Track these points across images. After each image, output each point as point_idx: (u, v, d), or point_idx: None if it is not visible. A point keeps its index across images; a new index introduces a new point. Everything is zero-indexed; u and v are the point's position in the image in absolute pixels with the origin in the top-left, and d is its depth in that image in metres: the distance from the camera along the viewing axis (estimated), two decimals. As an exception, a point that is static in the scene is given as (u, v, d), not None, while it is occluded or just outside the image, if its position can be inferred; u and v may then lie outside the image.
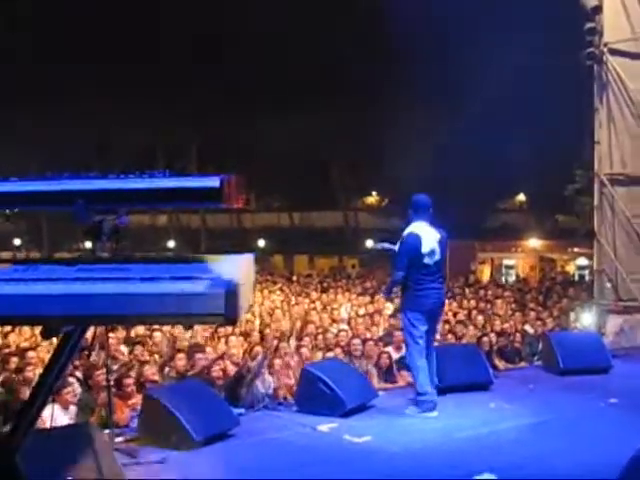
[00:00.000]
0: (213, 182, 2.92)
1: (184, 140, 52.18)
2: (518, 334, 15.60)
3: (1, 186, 3.12)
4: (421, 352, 10.15)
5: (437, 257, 10.27)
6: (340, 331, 15.18)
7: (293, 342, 14.07)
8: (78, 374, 10.01)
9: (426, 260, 10.14)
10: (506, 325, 16.57)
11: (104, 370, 9.43)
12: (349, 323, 17.36)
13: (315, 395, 10.10)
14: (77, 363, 10.34)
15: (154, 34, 43.95)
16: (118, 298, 2.54)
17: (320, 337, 14.37)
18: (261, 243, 55.19)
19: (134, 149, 48.65)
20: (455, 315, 18.76)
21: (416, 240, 10.11)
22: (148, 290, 2.56)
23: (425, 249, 10.13)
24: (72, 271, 2.90)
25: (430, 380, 10.23)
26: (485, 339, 14.32)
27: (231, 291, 2.50)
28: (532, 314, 18.62)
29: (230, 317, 2.55)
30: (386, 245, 10.67)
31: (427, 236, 10.21)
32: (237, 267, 2.79)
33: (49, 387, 3.14)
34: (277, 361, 11.71)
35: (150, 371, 10.79)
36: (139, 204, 3.06)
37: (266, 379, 11.25)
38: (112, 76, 43.88)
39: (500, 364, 13.98)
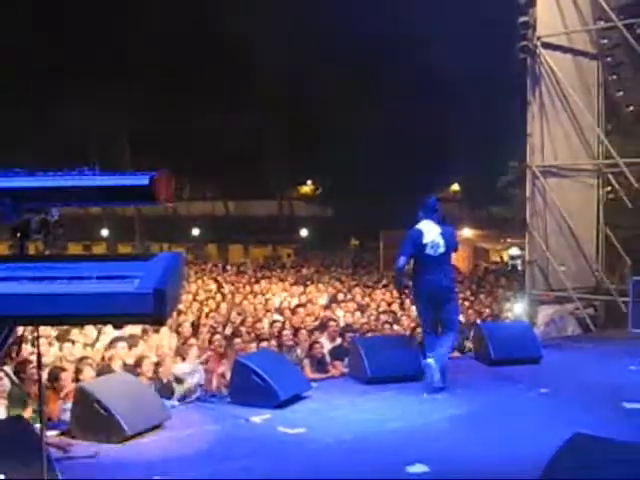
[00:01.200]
0: (142, 180, 2.89)
1: (117, 129, 51.62)
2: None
3: None
4: (428, 331, 11.47)
5: (441, 249, 11.20)
6: (274, 322, 15.18)
7: (228, 332, 14.03)
8: (7, 368, 9.87)
9: (428, 251, 11.11)
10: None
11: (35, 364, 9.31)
12: (282, 313, 17.36)
13: (248, 387, 10.09)
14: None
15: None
16: (45, 298, 2.50)
17: (254, 327, 14.36)
18: (195, 232, 54.97)
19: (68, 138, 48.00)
20: (390, 305, 18.84)
21: (418, 233, 11.16)
22: (75, 290, 2.53)
23: (426, 241, 11.10)
24: (-1, 270, 2.86)
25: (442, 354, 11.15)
26: (417, 329, 14.43)
27: (159, 290, 2.48)
28: (465, 304, 18.77)
29: (158, 317, 2.53)
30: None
31: (429, 230, 11.20)
32: (166, 265, 2.77)
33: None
34: (209, 353, 11.68)
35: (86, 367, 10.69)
36: (68, 202, 3.02)
37: (197, 370, 11.23)
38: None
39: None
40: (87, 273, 2.65)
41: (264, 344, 12.60)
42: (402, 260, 11.15)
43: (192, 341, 12.13)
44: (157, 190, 2.93)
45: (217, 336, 12.80)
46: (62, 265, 2.80)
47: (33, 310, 2.50)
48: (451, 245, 11.40)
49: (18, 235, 3.04)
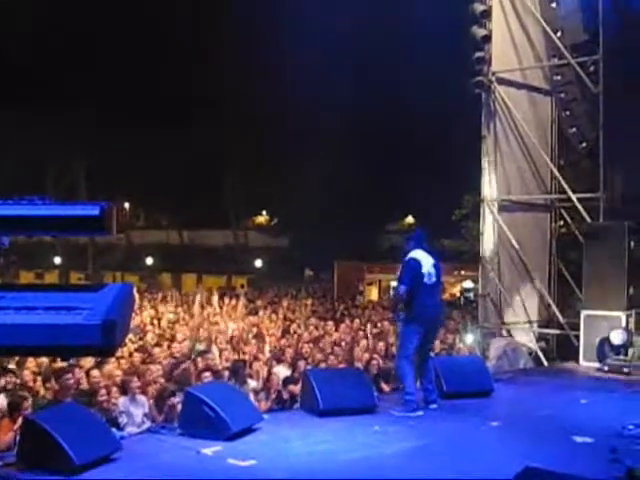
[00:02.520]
0: (93, 210, 2.86)
1: (71, 160, 51.34)
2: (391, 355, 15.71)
3: None
4: (411, 359, 11.68)
5: (434, 279, 11.76)
6: (223, 351, 15.10)
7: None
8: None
9: (425, 280, 11.60)
10: (393, 348, 16.66)
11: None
12: (235, 343, 17.26)
13: (199, 418, 9.99)
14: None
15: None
16: (-8, 329, 2.46)
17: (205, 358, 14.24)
18: (149, 261, 54.68)
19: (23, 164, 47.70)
20: (342, 335, 18.81)
21: (417, 263, 11.59)
22: (22, 321, 2.49)
23: (424, 270, 11.60)
24: (-56, 299, 2.82)
25: (428, 384, 12.01)
26: (372, 362, 14.44)
27: (108, 322, 2.45)
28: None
29: (107, 349, 2.50)
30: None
31: (425, 260, 11.69)
32: (116, 297, 2.74)
33: None
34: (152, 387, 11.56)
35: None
36: (17, 232, 2.99)
37: (141, 401, 11.12)
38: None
39: (386, 387, 14.07)
40: (35, 303, 2.62)
41: (213, 376, 12.49)
42: (403, 289, 11.54)
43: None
44: (108, 221, 2.90)
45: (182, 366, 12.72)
46: (10, 295, 2.77)
47: (-20, 340, 2.46)
48: (440, 275, 12.01)
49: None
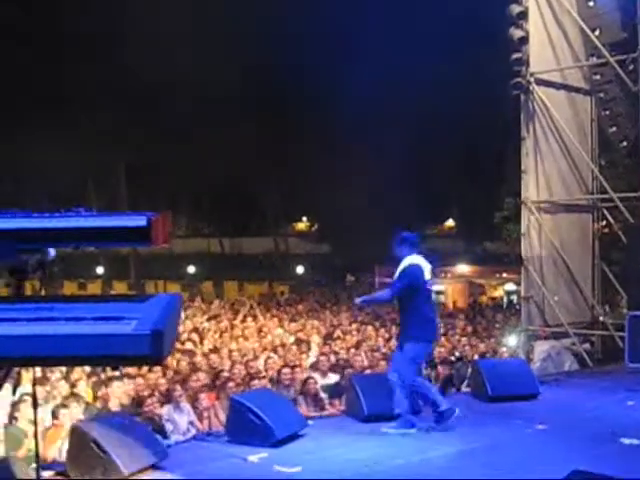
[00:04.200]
0: (140, 221, 2.89)
1: (114, 164, 51.75)
2: (448, 360, 15.68)
3: None
4: (410, 376, 10.69)
5: (431, 286, 11.16)
6: (268, 359, 15.13)
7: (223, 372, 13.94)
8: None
9: (427, 286, 10.93)
10: (436, 351, 16.63)
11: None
12: (278, 351, 17.29)
13: (244, 425, 10.05)
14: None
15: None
16: (42, 339, 2.49)
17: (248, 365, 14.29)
18: (191, 269, 54.87)
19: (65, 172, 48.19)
20: (388, 341, 18.80)
21: (418, 269, 10.77)
22: (72, 331, 2.51)
23: (426, 277, 10.87)
24: (-5, 311, 2.86)
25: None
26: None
27: (157, 332, 2.47)
28: (461, 340, 18.75)
29: (156, 358, 2.52)
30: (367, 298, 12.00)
31: (425, 266, 10.93)
32: (164, 307, 2.76)
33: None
34: (202, 395, 11.60)
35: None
36: (65, 243, 3.02)
37: (186, 409, 11.16)
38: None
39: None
40: (84, 314, 2.65)
41: (258, 382, 12.55)
42: (389, 297, 11.16)
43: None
44: (154, 231, 2.93)
45: (225, 373, 12.80)
46: (59, 306, 2.80)
47: (30, 352, 2.49)
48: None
49: (15, 276, 3.03)
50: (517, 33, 17.91)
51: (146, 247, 3.01)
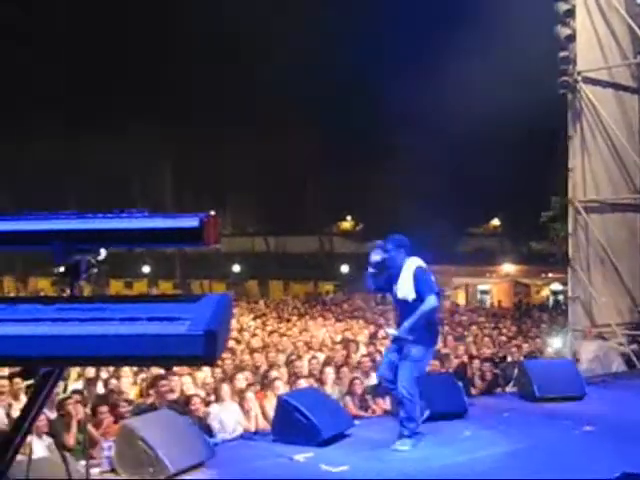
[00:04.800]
0: (192, 222, 2.91)
1: (159, 163, 52.16)
2: (494, 361, 15.62)
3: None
4: (418, 383, 10.13)
5: None
6: (313, 358, 15.14)
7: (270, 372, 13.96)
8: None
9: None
10: (481, 351, 16.57)
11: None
12: (323, 351, 17.30)
13: (291, 424, 10.08)
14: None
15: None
16: (96, 339, 2.51)
17: (295, 365, 14.30)
18: (236, 268, 55.05)
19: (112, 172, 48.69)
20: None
21: (428, 271, 10.24)
22: (126, 331, 2.53)
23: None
24: (50, 311, 2.89)
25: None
26: (461, 366, 14.37)
27: (210, 332, 2.48)
28: (507, 340, 18.66)
29: (209, 359, 2.52)
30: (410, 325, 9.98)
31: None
32: (216, 307, 2.78)
33: (29, 424, 3.13)
34: (249, 394, 11.63)
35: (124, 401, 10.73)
36: (118, 244, 3.05)
37: (233, 407, 11.19)
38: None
39: (475, 391, 13.99)
40: (138, 314, 2.67)
41: (304, 382, 12.58)
42: (436, 299, 10.01)
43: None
44: (207, 231, 2.95)
45: (273, 373, 12.84)
46: (112, 306, 2.82)
47: (84, 352, 2.51)
48: None
49: (67, 276, 3.07)
50: (564, 31, 17.79)
51: (197, 247, 3.03)
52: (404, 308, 10.08)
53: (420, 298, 9.87)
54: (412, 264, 10.10)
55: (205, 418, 10.64)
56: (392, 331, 10.17)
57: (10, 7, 41.12)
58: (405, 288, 10.01)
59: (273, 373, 13.08)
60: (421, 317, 9.80)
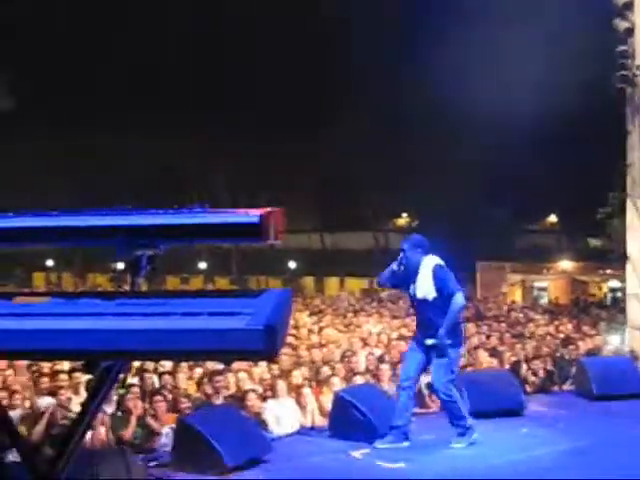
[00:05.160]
0: (253, 218, 2.93)
1: (214, 162, 52.52)
2: (551, 358, 15.48)
3: (41, 221, 3.15)
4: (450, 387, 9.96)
5: None
6: (369, 355, 15.12)
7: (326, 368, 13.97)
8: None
9: None
10: (539, 349, 16.43)
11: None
12: (379, 346, 17.27)
13: (348, 421, 10.10)
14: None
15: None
16: (157, 333, 2.53)
17: (352, 361, 14.30)
18: (292, 264, 55.17)
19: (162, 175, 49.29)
20: (488, 338, 18.63)
21: (445, 266, 10.07)
22: (187, 326, 2.56)
23: None
24: (112, 306, 2.93)
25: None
26: (517, 363, 14.27)
27: (270, 327, 2.49)
28: (565, 338, 18.50)
29: (269, 353, 2.54)
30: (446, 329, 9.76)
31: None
32: (276, 302, 2.80)
33: (91, 416, 3.17)
34: (306, 390, 11.65)
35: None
36: (179, 239, 3.08)
37: (290, 403, 11.22)
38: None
39: (530, 389, 13.88)
40: (199, 309, 2.70)
41: (360, 378, 12.57)
42: (462, 297, 9.93)
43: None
44: (266, 227, 2.97)
45: (325, 369, 12.87)
46: (173, 301, 2.85)
47: (145, 346, 2.54)
48: None
49: (128, 271, 3.10)
50: (623, 24, 17.59)
51: (258, 243, 3.05)
52: (424, 307, 9.98)
53: (441, 296, 9.76)
54: (430, 262, 9.99)
55: (261, 414, 10.68)
56: (430, 341, 9.93)
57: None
58: (424, 287, 9.91)
59: (328, 369, 13.09)
60: (453, 318, 9.70)
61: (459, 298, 9.74)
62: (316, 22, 43.40)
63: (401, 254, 10.19)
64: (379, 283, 11.81)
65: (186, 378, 12.18)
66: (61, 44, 44.35)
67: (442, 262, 10.05)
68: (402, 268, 10.12)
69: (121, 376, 3.27)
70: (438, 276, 9.86)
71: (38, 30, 44.30)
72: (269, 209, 3.01)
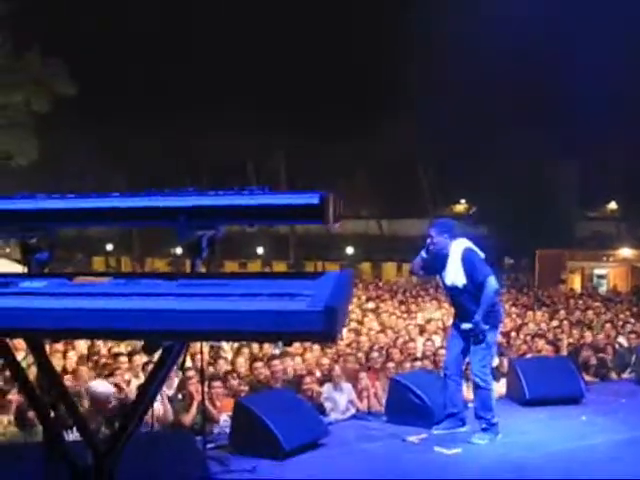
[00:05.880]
0: (312, 199, 2.93)
1: (274, 149, 52.73)
2: (610, 346, 15.33)
3: (103, 202, 3.18)
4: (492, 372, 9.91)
5: None
6: (427, 340, 15.10)
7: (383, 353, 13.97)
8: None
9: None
10: (598, 337, 16.28)
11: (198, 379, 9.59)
12: (437, 333, 17.23)
13: (404, 406, 10.09)
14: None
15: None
16: (218, 314, 2.54)
17: (407, 347, 14.29)
18: (349, 250, 55.16)
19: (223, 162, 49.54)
20: (548, 325, 18.52)
21: (475, 250, 9.67)
22: (247, 307, 2.56)
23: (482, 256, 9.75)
24: (173, 286, 2.95)
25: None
26: (576, 350, 14.17)
27: (330, 309, 2.48)
28: (625, 326, 18.30)
29: (329, 335, 2.53)
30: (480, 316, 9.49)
31: (474, 246, 9.76)
32: (335, 283, 2.79)
33: (150, 397, 3.20)
34: (361, 374, 11.65)
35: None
36: (239, 220, 3.09)
37: (347, 388, 11.23)
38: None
39: (589, 377, 13.75)
40: (259, 290, 2.70)
41: (418, 364, 12.56)
42: (495, 282, 9.49)
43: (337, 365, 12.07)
44: (326, 210, 2.96)
45: (374, 354, 12.86)
46: (233, 282, 2.86)
47: (207, 326, 2.55)
48: None
49: (191, 252, 3.12)
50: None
51: (318, 224, 3.04)
52: (456, 294, 9.73)
53: (472, 282, 9.44)
54: (458, 248, 9.61)
55: (318, 398, 10.70)
56: (466, 325, 9.80)
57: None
58: (453, 273, 9.58)
59: (385, 354, 13.10)
60: (487, 304, 9.39)
61: (492, 282, 9.40)
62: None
63: (428, 240, 9.74)
64: (412, 271, 11.45)
65: (245, 361, 12.26)
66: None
67: (472, 246, 9.69)
68: (430, 255, 9.73)
69: (180, 359, 3.29)
70: (467, 261, 9.49)
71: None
72: (328, 192, 3.00)
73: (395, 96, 45.51)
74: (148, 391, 3.15)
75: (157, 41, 45.02)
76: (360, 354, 13.40)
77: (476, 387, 9.67)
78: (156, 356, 3.03)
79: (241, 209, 3.01)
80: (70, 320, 2.56)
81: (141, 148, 48.66)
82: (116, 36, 44.62)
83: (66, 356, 12.18)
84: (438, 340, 15.36)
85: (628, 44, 34.10)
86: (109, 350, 13.31)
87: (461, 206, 63.14)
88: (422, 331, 17.26)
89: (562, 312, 21.54)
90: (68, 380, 10.25)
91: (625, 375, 14.40)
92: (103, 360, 12.15)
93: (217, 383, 10.23)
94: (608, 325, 18.23)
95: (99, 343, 13.34)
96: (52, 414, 3.39)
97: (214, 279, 2.95)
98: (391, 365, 12.29)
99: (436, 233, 9.67)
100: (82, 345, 13.23)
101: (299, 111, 45.73)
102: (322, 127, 46.57)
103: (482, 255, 9.65)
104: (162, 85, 46.37)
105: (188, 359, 11.01)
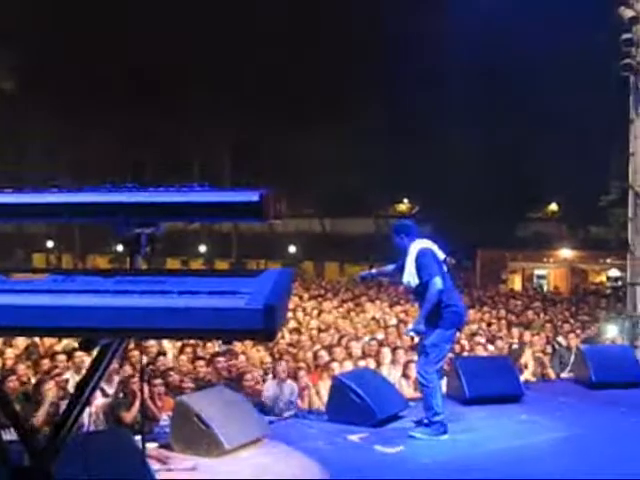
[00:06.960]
0: (252, 197, 2.91)
1: (219, 146, 52.60)
2: (549, 346, 15.50)
3: (41, 197, 3.13)
4: (439, 371, 9.90)
5: (446, 268, 9.93)
6: (371, 339, 15.15)
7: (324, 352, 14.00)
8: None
9: (444, 269, 9.80)
10: (538, 336, 16.45)
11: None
12: (380, 332, 17.30)
13: (346, 405, 10.09)
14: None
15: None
16: (156, 311, 2.51)
17: (351, 345, 14.33)
18: (292, 249, 55.19)
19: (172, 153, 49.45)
20: (489, 325, 18.68)
21: (430, 250, 9.72)
22: (186, 304, 2.53)
23: (440, 257, 9.81)
24: (110, 283, 2.90)
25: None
26: (515, 350, 14.29)
27: (269, 307, 2.47)
28: (564, 326, 18.51)
29: (268, 333, 2.52)
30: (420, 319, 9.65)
31: (434, 247, 9.86)
32: (275, 281, 2.78)
33: (87, 396, 3.15)
34: (302, 373, 11.68)
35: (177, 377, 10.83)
36: (179, 217, 3.06)
37: (289, 386, 11.24)
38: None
39: (529, 376, 13.89)
40: (198, 288, 2.67)
41: (361, 362, 12.61)
42: (440, 282, 9.42)
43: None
44: (266, 207, 2.95)
45: (322, 352, 12.90)
46: (172, 279, 2.83)
47: (144, 324, 2.51)
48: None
49: (128, 248, 3.08)
50: (627, 13, 17.55)
51: (257, 222, 3.03)
52: (413, 294, 9.97)
53: (422, 283, 9.49)
54: (415, 248, 9.68)
55: (259, 396, 10.69)
56: (410, 329, 9.93)
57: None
58: (407, 274, 9.66)
59: (326, 353, 13.12)
60: (430, 304, 9.39)
61: (435, 283, 9.39)
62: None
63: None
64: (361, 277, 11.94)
65: (187, 360, 12.22)
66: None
67: (430, 246, 9.78)
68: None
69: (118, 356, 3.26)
70: (417, 261, 9.59)
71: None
72: (268, 189, 2.98)
73: (337, 95, 45.60)
74: (85, 389, 3.10)
75: (95, 39, 44.66)
76: (301, 353, 13.42)
77: (419, 385, 9.81)
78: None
79: (180, 206, 2.98)
80: (4, 317, 2.52)
81: (86, 145, 48.38)
82: (55, 35, 44.26)
83: (4, 353, 12.06)
84: (379, 338, 15.45)
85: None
86: (47, 349, 13.21)
87: (404, 205, 63.37)
88: (365, 330, 17.32)
89: (502, 311, 21.73)
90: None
91: (564, 374, 14.58)
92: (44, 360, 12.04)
93: (158, 381, 10.18)
94: (548, 325, 18.44)
95: (37, 341, 13.23)
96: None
97: (153, 276, 2.91)
98: (335, 364, 12.33)
99: (395, 235, 9.88)
100: (21, 343, 13.10)
101: (245, 108, 45.56)
102: (267, 126, 46.56)
103: (442, 256, 9.77)
104: (104, 83, 46.09)
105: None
